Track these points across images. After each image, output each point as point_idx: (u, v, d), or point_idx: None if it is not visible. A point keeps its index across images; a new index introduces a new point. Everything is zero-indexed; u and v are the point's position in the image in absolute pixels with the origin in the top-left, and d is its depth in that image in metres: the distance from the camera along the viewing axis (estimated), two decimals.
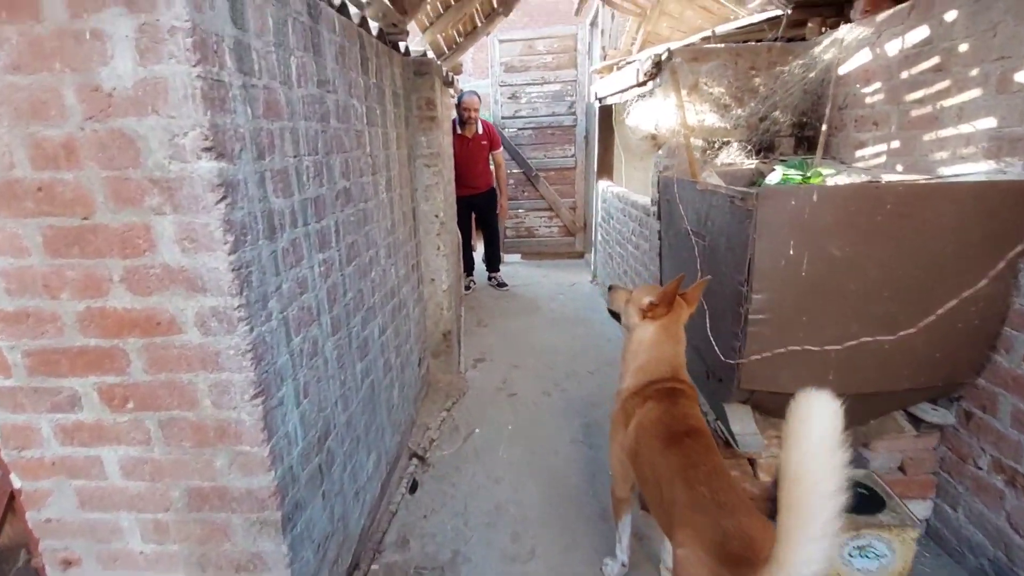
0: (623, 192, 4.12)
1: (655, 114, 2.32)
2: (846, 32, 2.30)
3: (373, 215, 2.11)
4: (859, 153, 2.36)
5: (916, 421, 1.86)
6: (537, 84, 5.93)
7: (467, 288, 5.13)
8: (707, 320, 1.92)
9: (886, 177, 1.95)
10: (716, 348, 1.82)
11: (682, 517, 1.11)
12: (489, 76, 6.06)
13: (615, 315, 1.86)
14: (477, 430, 2.78)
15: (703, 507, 1.09)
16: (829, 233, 1.56)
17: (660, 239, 2.73)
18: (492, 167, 5.16)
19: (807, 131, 2.77)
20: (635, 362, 1.67)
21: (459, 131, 4.73)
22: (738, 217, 1.66)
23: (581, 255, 6.34)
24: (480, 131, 4.86)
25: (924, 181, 1.65)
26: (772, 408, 1.90)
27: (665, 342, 1.64)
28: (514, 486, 2.32)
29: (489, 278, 5.40)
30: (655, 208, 2.95)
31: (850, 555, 1.59)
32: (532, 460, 2.50)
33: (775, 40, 2.76)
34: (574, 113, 5.90)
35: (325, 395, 1.61)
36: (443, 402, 3.03)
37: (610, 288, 1.92)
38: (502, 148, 5.21)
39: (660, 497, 1.27)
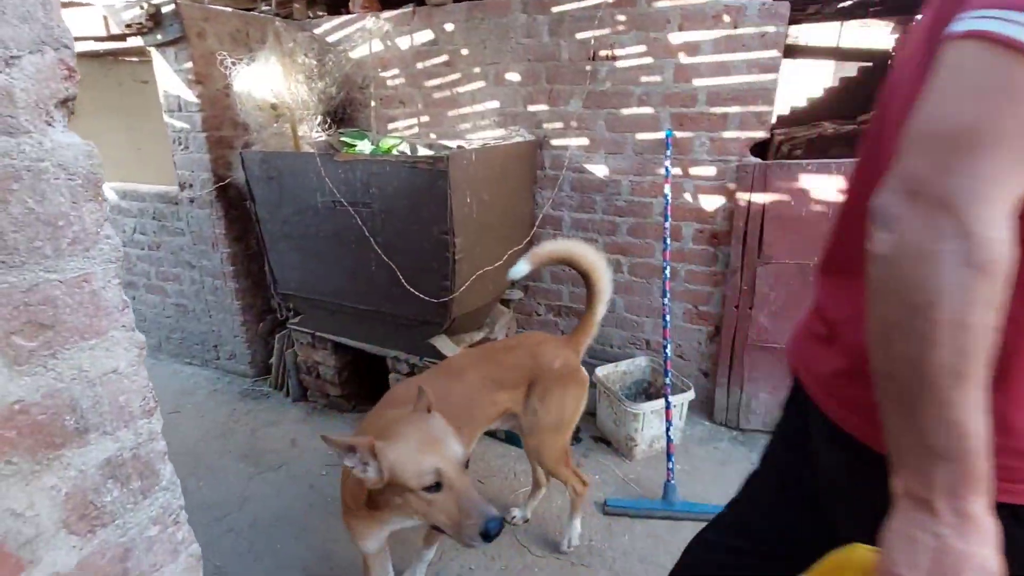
0: None
1: (270, 82, 2.01)
2: (371, 23, 2.72)
3: None
4: (391, 126, 2.95)
5: (506, 303, 2.83)
6: None
7: None
8: (401, 279, 2.14)
9: (459, 143, 2.66)
10: (422, 296, 2.11)
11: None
12: None
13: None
14: None
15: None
16: (480, 184, 2.13)
17: (257, 223, 2.47)
18: None
19: (329, 107, 3.08)
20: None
21: None
22: (429, 179, 1.96)
23: None
24: None
25: (506, 143, 2.45)
26: (458, 328, 2.40)
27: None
28: None
29: None
30: (202, 193, 2.56)
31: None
32: None
33: (276, 15, 2.85)
34: None
35: None
36: None
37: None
38: None
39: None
